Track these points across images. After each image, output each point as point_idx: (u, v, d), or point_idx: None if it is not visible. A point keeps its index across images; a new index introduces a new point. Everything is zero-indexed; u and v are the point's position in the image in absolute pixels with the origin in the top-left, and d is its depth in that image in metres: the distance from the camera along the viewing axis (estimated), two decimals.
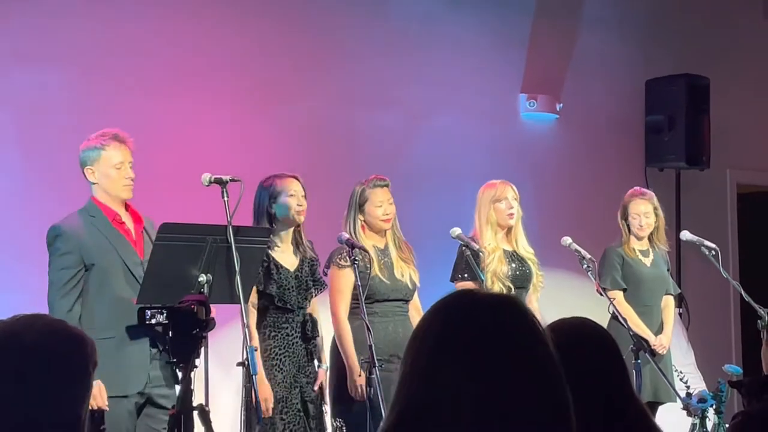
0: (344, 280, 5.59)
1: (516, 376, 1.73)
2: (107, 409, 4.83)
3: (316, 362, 5.56)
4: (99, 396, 4.78)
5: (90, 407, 4.70)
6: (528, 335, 1.79)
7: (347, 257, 5.48)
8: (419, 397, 1.75)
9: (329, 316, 5.69)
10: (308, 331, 5.48)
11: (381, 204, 5.77)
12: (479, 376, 1.73)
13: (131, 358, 4.85)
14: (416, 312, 5.89)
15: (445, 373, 1.74)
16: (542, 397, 1.74)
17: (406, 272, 5.81)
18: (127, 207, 5.09)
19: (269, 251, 5.40)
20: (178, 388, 4.38)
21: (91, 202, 5.03)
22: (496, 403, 1.71)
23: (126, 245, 4.96)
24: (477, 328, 1.78)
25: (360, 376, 5.36)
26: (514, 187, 6.19)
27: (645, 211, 6.76)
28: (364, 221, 5.78)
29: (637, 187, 6.97)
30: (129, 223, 5.06)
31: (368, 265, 5.62)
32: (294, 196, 5.47)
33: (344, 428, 5.50)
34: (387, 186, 5.82)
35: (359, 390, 5.40)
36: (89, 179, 5.03)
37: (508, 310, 1.81)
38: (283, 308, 5.45)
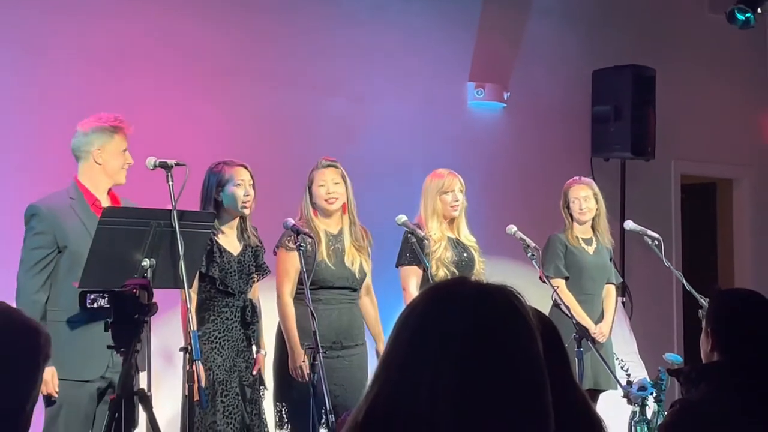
0: (291, 262, 5.55)
1: (497, 373, 1.63)
2: (56, 395, 4.78)
3: (254, 347, 5.54)
4: (50, 382, 4.74)
5: (40, 392, 4.67)
6: (514, 331, 1.68)
7: (295, 241, 5.47)
8: (396, 382, 1.66)
9: (274, 301, 5.67)
10: (248, 316, 5.46)
11: (324, 183, 5.71)
12: (458, 368, 1.62)
13: (93, 343, 4.76)
14: (368, 296, 5.89)
15: (423, 360, 1.64)
16: (522, 398, 1.64)
17: (356, 260, 5.75)
18: (108, 192, 5.03)
19: (213, 235, 5.37)
20: (142, 374, 4.35)
21: (74, 183, 4.98)
22: (473, 399, 1.62)
23: None
24: (461, 316, 1.66)
25: (304, 361, 5.35)
26: (461, 179, 6.19)
27: (584, 195, 6.80)
28: (313, 204, 5.76)
29: (576, 177, 7.00)
30: None
31: (315, 251, 5.60)
32: (241, 186, 5.43)
33: (284, 411, 5.49)
34: (333, 166, 5.77)
35: (299, 372, 5.40)
36: (95, 159, 4.94)
37: (500, 302, 1.71)
38: (224, 292, 5.42)
